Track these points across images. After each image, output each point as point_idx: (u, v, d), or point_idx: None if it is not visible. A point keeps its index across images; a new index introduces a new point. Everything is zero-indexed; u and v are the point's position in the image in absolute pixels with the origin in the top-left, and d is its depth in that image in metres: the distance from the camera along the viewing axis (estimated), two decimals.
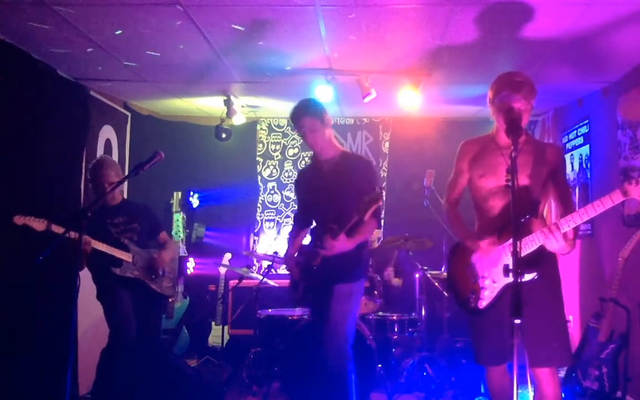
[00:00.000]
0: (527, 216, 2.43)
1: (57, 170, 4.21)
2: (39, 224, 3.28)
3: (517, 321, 2.03)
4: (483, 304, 2.59)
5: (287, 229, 6.11)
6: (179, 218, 5.66)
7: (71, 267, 2.85)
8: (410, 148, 6.08)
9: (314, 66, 4.26)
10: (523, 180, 2.48)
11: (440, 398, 4.41)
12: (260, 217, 6.28)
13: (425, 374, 4.56)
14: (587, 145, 4.89)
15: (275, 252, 5.05)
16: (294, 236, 3.45)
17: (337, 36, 3.67)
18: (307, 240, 3.43)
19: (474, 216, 2.80)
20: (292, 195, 6.20)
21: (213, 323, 5.63)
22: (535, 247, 2.46)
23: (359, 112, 6.05)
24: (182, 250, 5.60)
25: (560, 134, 5.46)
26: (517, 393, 2.06)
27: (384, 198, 6.04)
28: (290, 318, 4.52)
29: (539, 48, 3.77)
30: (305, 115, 3.18)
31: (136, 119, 5.62)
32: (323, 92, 4.56)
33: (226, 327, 5.37)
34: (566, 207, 2.55)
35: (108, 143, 5.13)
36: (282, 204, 6.28)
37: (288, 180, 6.26)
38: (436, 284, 4.89)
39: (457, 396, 4.37)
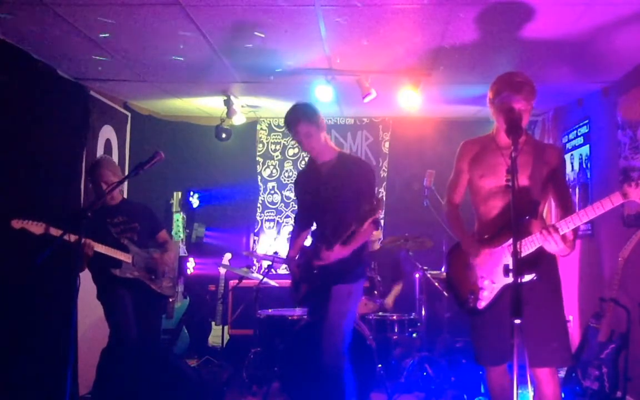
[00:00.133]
0: (527, 217, 2.43)
1: (57, 170, 4.21)
2: (37, 227, 3.28)
3: (517, 321, 2.03)
4: (482, 304, 2.59)
5: (287, 229, 6.12)
6: (179, 218, 5.66)
7: (71, 268, 2.85)
8: (410, 148, 6.08)
9: (314, 66, 4.26)
10: (523, 180, 2.48)
11: (440, 398, 4.41)
12: (260, 217, 6.28)
13: (425, 374, 4.56)
14: (587, 145, 4.89)
15: (275, 252, 5.05)
16: (295, 237, 3.45)
17: (337, 36, 3.67)
18: (308, 241, 3.44)
19: (474, 216, 2.80)
20: (292, 195, 6.19)
21: (213, 323, 5.63)
22: (534, 249, 2.46)
23: (359, 112, 6.05)
24: (182, 250, 5.60)
25: (560, 134, 5.46)
26: (517, 393, 2.06)
27: (384, 198, 6.08)
28: (290, 318, 4.52)
29: (539, 48, 3.77)
30: (300, 121, 3.16)
31: (136, 119, 5.62)
32: (323, 92, 4.56)
33: (226, 327, 5.38)
34: (566, 208, 2.55)
35: (108, 143, 5.13)
36: (282, 204, 6.28)
37: (288, 180, 6.26)
38: (436, 284, 4.89)
39: (457, 396, 4.37)
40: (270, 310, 4.79)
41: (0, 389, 3.53)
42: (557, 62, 4.05)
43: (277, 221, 6.27)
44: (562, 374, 3.79)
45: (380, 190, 6.08)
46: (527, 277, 2.37)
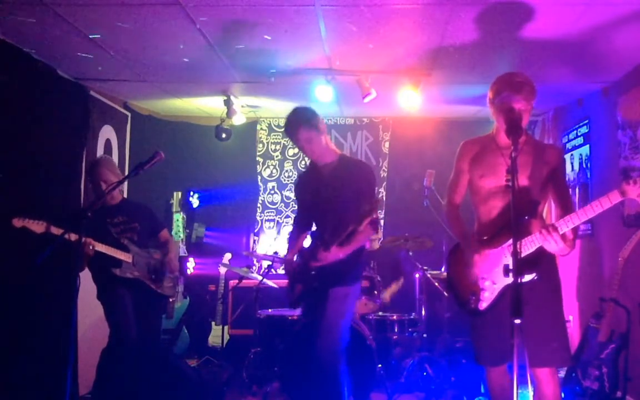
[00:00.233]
0: (526, 217, 2.43)
1: (57, 170, 4.21)
2: (37, 226, 3.28)
3: (517, 321, 2.03)
4: (483, 305, 2.59)
5: (287, 229, 6.11)
6: (179, 218, 5.66)
7: (71, 268, 2.85)
8: (410, 148, 6.07)
9: (314, 66, 4.26)
10: (523, 180, 2.48)
11: (440, 398, 4.41)
12: (260, 217, 6.28)
13: (425, 374, 4.56)
14: (587, 145, 4.89)
15: (275, 252, 5.05)
16: (294, 239, 3.45)
17: (337, 36, 3.67)
18: (307, 242, 3.44)
19: (474, 216, 2.80)
20: (292, 195, 6.19)
21: (213, 323, 5.63)
22: (534, 248, 2.46)
23: (359, 112, 6.05)
24: (182, 250, 5.60)
25: (560, 134, 5.46)
26: (517, 393, 2.06)
27: (384, 198, 6.09)
28: (290, 318, 4.52)
29: (539, 48, 3.77)
30: (300, 128, 3.16)
31: (136, 119, 5.62)
32: (323, 92, 4.56)
33: (226, 327, 5.38)
34: (565, 208, 2.55)
35: (108, 143, 5.13)
36: (282, 204, 6.28)
37: (288, 180, 6.26)
38: (436, 284, 4.89)
39: (457, 396, 4.37)
40: (270, 310, 4.79)
41: (0, 388, 3.53)
42: (557, 62, 4.05)
43: (277, 221, 6.27)
44: (562, 374, 3.79)
45: (380, 190, 6.08)
46: (528, 277, 2.37)
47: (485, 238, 2.64)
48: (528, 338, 2.35)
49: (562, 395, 3.49)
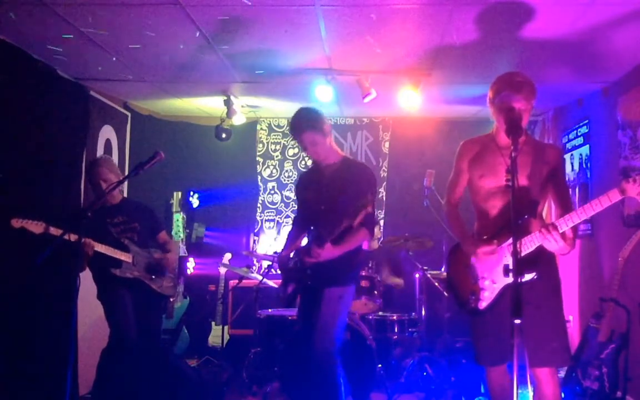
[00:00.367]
0: (526, 216, 2.43)
1: (57, 170, 4.21)
2: (36, 227, 3.27)
3: (517, 321, 2.03)
4: (483, 304, 2.59)
5: (287, 229, 6.11)
6: (179, 218, 5.66)
7: (71, 268, 2.85)
8: (410, 148, 6.07)
9: (314, 66, 4.26)
10: (522, 180, 2.48)
11: (440, 398, 4.41)
12: (260, 217, 6.28)
13: (425, 374, 4.56)
14: (587, 145, 4.89)
15: (275, 252, 5.03)
16: (292, 238, 3.45)
17: (337, 36, 3.67)
18: (305, 241, 3.44)
19: (474, 216, 2.80)
20: (292, 195, 6.20)
21: (213, 323, 5.63)
22: (533, 248, 2.46)
23: (359, 112, 6.05)
24: (182, 250, 5.60)
25: (560, 134, 5.46)
26: (517, 393, 2.06)
27: (384, 198, 6.09)
28: (290, 318, 4.52)
29: (538, 48, 3.77)
30: (305, 130, 3.17)
31: (136, 119, 5.62)
32: (323, 92, 4.56)
33: (226, 327, 5.37)
34: (565, 208, 2.55)
35: (108, 143, 5.13)
36: (282, 204, 6.28)
37: (288, 180, 6.26)
38: (436, 284, 4.89)
39: (457, 396, 4.37)
40: (270, 310, 4.78)
41: (0, 388, 3.53)
42: (557, 62, 4.05)
43: (277, 221, 6.27)
44: (562, 374, 3.79)
45: (380, 190, 6.08)
46: (527, 277, 2.37)
47: (485, 238, 2.64)
48: (528, 338, 2.35)
49: (562, 395, 3.48)
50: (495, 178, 2.59)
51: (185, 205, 5.89)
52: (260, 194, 6.29)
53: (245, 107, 5.65)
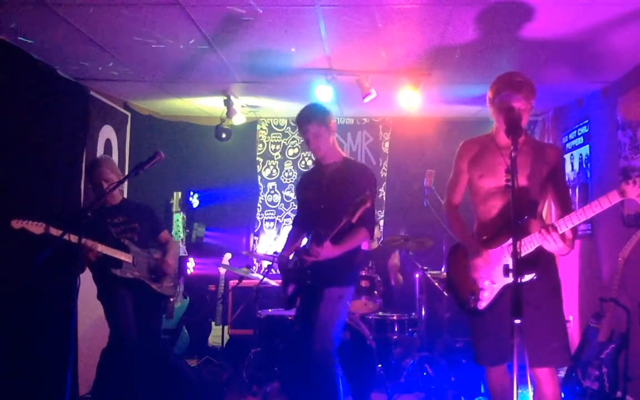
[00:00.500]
0: (525, 217, 2.43)
1: (57, 170, 4.21)
2: (36, 227, 3.28)
3: (517, 321, 2.03)
4: (482, 305, 2.59)
5: (287, 229, 6.11)
6: (179, 218, 5.66)
7: (71, 268, 2.85)
8: (410, 148, 6.07)
9: (314, 66, 4.26)
10: (522, 180, 2.48)
11: (440, 398, 4.41)
12: (260, 217, 6.28)
13: (425, 374, 4.56)
14: (587, 145, 4.89)
15: (276, 252, 5.02)
16: (292, 239, 3.45)
17: (337, 36, 3.67)
18: (305, 241, 3.44)
19: (474, 216, 2.80)
20: (292, 195, 6.20)
21: (213, 323, 5.63)
22: (533, 248, 2.46)
23: (359, 112, 6.05)
24: (182, 250, 5.60)
25: (560, 134, 5.46)
26: (517, 393, 2.06)
27: (384, 198, 6.09)
28: (290, 318, 4.52)
29: (538, 48, 3.77)
30: (311, 121, 3.20)
31: (136, 119, 5.62)
32: (323, 92, 4.56)
33: (226, 327, 5.37)
34: (565, 208, 2.55)
35: (108, 143, 5.13)
36: (282, 204, 6.28)
37: (288, 180, 6.26)
38: (436, 284, 4.89)
39: (457, 396, 4.37)
40: (270, 310, 4.78)
41: (0, 388, 3.53)
42: (557, 62, 4.05)
43: (277, 221, 6.27)
44: (562, 374, 3.79)
45: (380, 190, 6.08)
46: (527, 277, 2.37)
47: (484, 238, 2.64)
48: (528, 338, 2.35)
49: (562, 395, 3.48)
50: (495, 178, 2.59)
51: (185, 205, 5.89)
52: (260, 194, 6.29)
53: (245, 107, 5.65)
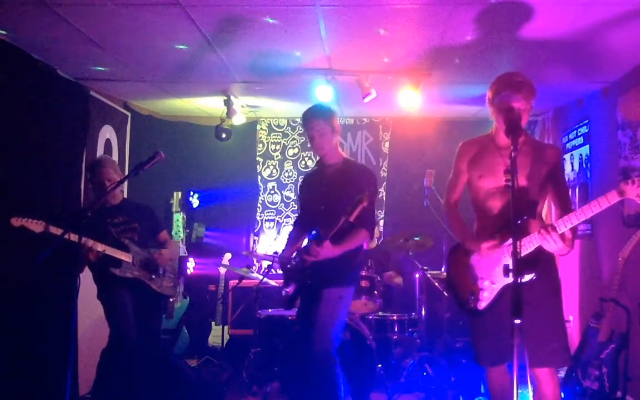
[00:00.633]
0: (525, 217, 2.43)
1: (57, 170, 4.21)
2: (36, 226, 3.28)
3: (517, 321, 2.03)
4: (482, 305, 2.59)
5: (287, 229, 6.11)
6: (179, 218, 5.66)
7: (71, 268, 2.85)
8: (410, 148, 6.07)
9: (314, 66, 4.26)
10: (521, 180, 2.47)
11: (440, 398, 4.41)
12: (260, 217, 6.28)
13: (425, 374, 4.56)
14: (587, 145, 4.89)
15: (276, 252, 5.03)
16: (294, 238, 3.46)
17: (337, 36, 3.67)
18: (305, 242, 3.44)
19: (473, 217, 2.80)
20: (292, 195, 6.21)
21: (213, 323, 5.63)
22: (533, 248, 2.46)
23: (359, 112, 6.05)
24: (182, 250, 5.60)
25: (560, 134, 5.46)
26: (517, 393, 2.06)
27: (384, 198, 6.09)
28: (290, 318, 4.52)
29: (538, 48, 3.77)
30: (318, 118, 3.24)
31: (136, 119, 5.62)
32: (323, 92, 4.56)
33: (226, 327, 5.37)
34: (564, 208, 2.55)
35: (108, 143, 5.13)
36: (282, 204, 6.28)
37: (288, 180, 6.26)
38: (436, 284, 4.89)
39: (457, 396, 4.37)
40: (270, 310, 4.78)
41: (0, 388, 3.53)
42: (557, 62, 4.05)
43: (277, 221, 6.27)
44: (562, 374, 3.79)
45: (380, 190, 6.08)
46: (527, 277, 2.37)
47: (483, 238, 2.64)
48: (528, 338, 2.35)
49: (562, 395, 3.48)
50: (494, 178, 2.59)
51: (185, 205, 5.89)
52: (260, 194, 6.29)
53: (245, 107, 5.65)
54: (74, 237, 2.90)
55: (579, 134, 5.05)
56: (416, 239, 4.83)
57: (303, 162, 6.26)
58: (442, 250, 5.10)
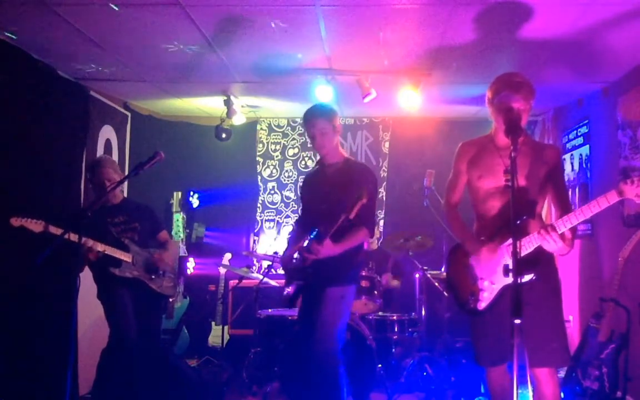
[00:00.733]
0: (524, 217, 2.43)
1: (57, 170, 4.22)
2: (36, 225, 3.27)
3: (517, 321, 2.03)
4: (482, 305, 2.59)
5: (287, 229, 6.12)
6: (179, 218, 5.66)
7: (71, 268, 2.85)
8: (410, 148, 6.08)
9: (314, 66, 4.26)
10: (521, 181, 2.47)
11: (440, 398, 4.41)
12: (260, 217, 6.28)
13: (425, 374, 4.56)
14: (587, 145, 4.89)
15: (275, 252, 5.04)
16: (295, 238, 3.46)
17: (337, 36, 3.68)
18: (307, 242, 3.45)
19: (473, 217, 2.80)
20: (292, 195, 6.21)
21: (213, 323, 5.63)
22: (532, 248, 2.46)
23: (359, 112, 6.05)
24: (182, 250, 5.60)
25: (560, 134, 5.46)
26: (517, 393, 2.06)
27: (384, 198, 6.09)
28: (290, 318, 4.52)
29: (538, 48, 3.77)
30: (320, 117, 3.25)
31: (136, 119, 5.62)
32: (323, 92, 4.56)
33: (226, 327, 5.38)
34: (564, 208, 2.55)
35: (108, 143, 5.13)
36: (282, 204, 6.28)
37: (288, 180, 6.26)
38: (436, 284, 4.89)
39: (457, 396, 4.37)
40: (270, 310, 4.78)
41: (0, 388, 3.53)
42: (557, 62, 4.05)
43: (277, 221, 6.27)
44: (562, 374, 3.79)
45: (380, 190, 6.08)
46: (527, 277, 2.37)
47: (482, 239, 2.65)
48: (527, 338, 2.35)
49: (562, 395, 3.48)
50: (494, 179, 2.60)
51: (185, 205, 5.89)
52: (260, 194, 6.29)
53: (245, 107, 5.65)
54: (74, 237, 2.90)
55: (579, 134, 5.05)
56: (416, 239, 4.84)
57: (303, 162, 6.26)
58: (442, 250, 5.10)
